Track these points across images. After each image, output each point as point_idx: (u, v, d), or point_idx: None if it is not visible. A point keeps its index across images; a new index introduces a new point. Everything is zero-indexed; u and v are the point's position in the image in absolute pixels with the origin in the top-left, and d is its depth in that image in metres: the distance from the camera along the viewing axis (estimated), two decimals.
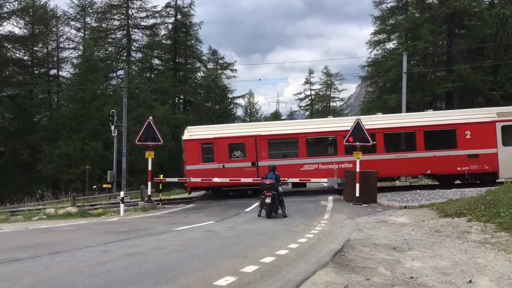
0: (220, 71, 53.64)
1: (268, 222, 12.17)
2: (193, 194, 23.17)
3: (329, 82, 63.88)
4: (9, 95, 36.75)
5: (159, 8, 46.12)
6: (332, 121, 21.61)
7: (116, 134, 28.16)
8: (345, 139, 17.79)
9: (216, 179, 22.97)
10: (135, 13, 45.10)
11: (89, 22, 45.56)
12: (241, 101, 58.41)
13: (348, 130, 18.01)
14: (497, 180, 19.19)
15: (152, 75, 46.69)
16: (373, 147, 19.70)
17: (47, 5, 40.15)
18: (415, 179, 25.14)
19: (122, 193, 17.69)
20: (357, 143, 17.44)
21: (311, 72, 71.08)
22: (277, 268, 5.97)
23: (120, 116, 28.83)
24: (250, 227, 11.23)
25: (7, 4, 36.15)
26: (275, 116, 68.74)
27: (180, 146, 39.26)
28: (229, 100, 54.83)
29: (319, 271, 5.94)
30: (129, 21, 44.81)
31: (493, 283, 5.73)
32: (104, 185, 27.41)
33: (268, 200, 12.99)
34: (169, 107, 42.71)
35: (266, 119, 65.27)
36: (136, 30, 45.71)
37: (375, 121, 20.43)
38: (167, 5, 46.29)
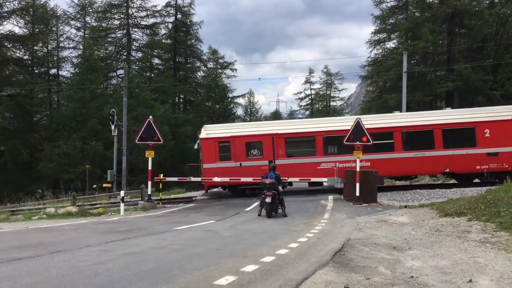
0: (220, 71, 53.69)
1: (268, 222, 12.17)
2: (193, 193, 23.20)
3: (329, 81, 63.90)
4: (9, 94, 36.78)
5: (159, 8, 46.21)
6: (350, 120, 21.22)
7: (116, 134, 28.16)
8: (345, 138, 17.77)
9: (216, 179, 23.00)
10: (135, 12, 45.17)
11: (89, 21, 45.64)
12: (241, 100, 58.51)
13: (368, 129, 18.12)
14: None
15: (152, 75, 46.71)
16: (391, 146, 19.77)
17: (47, 4, 40.26)
18: (434, 178, 25.00)
19: (122, 193, 17.68)
20: (357, 142, 17.44)
21: (311, 71, 71.34)
22: (277, 268, 5.97)
23: (120, 116, 28.84)
24: (250, 227, 11.24)
25: (7, 3, 36.20)
26: (275, 116, 68.78)
27: (180, 145, 39.65)
28: (229, 99, 54.87)
29: (319, 271, 5.94)
30: (129, 21, 44.82)
31: (493, 283, 5.73)
32: (104, 185, 27.42)
33: (268, 200, 12.99)
34: (169, 107, 42.75)
35: (266, 118, 65.32)
36: (136, 29, 45.77)
37: (392, 119, 20.31)
38: (167, 4, 46.30)
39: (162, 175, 20.76)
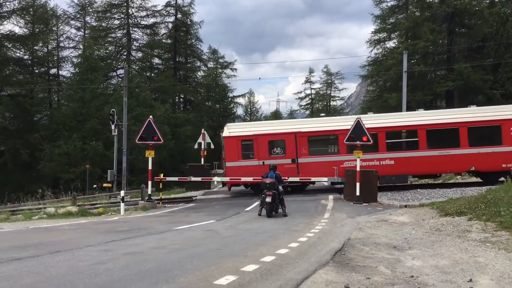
0: (220, 70, 53.73)
1: (269, 221, 12.17)
2: (193, 193, 23.19)
3: (330, 81, 63.89)
4: (10, 94, 36.81)
5: (159, 7, 46.35)
6: (373, 118, 21.23)
7: (116, 133, 28.16)
8: (346, 138, 17.76)
9: (216, 178, 23.01)
10: (135, 12, 45.24)
11: (89, 21, 45.69)
12: (241, 100, 58.56)
13: (390, 127, 18.19)
14: None
15: (152, 74, 46.74)
16: (415, 144, 19.63)
17: (47, 4, 40.28)
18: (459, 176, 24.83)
19: (122, 192, 17.68)
20: (358, 142, 17.43)
21: (311, 71, 71.31)
22: (278, 267, 5.96)
23: (120, 115, 28.84)
24: (250, 226, 11.23)
25: (7, 3, 36.22)
26: (276, 116, 68.79)
27: (180, 145, 39.63)
28: (229, 99, 54.92)
29: (319, 270, 5.94)
30: (129, 20, 44.85)
31: (493, 282, 5.73)
32: (105, 184, 27.43)
33: (268, 199, 12.98)
34: (169, 106, 42.77)
35: (267, 118, 65.33)
36: (136, 29, 45.83)
37: (416, 117, 20.16)
38: (167, 4, 46.35)
39: (162, 174, 20.76)
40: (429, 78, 33.80)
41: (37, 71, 41.91)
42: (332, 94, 64.43)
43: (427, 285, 5.51)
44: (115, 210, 17.14)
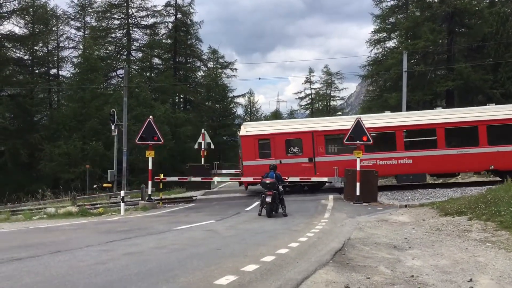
0: (220, 70, 53.70)
1: (269, 221, 12.17)
2: (194, 193, 23.19)
3: (329, 81, 63.79)
4: (10, 94, 36.80)
5: (159, 7, 46.28)
6: (390, 116, 21.19)
7: (116, 133, 28.16)
8: (345, 138, 17.74)
9: (217, 178, 23.00)
10: (135, 12, 45.22)
11: (89, 21, 45.68)
12: (241, 100, 58.51)
13: (407, 126, 18.24)
14: None
15: (152, 74, 46.74)
16: (433, 142, 19.54)
17: (47, 4, 40.25)
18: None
19: (122, 192, 17.68)
20: (358, 142, 17.43)
21: (311, 71, 71.09)
22: (278, 267, 5.96)
23: (121, 115, 28.84)
24: (250, 226, 11.24)
25: (7, 3, 36.22)
26: (276, 115, 68.76)
27: (180, 145, 39.63)
28: (229, 99, 54.89)
29: (319, 270, 5.94)
30: (129, 20, 44.84)
31: (493, 282, 5.73)
32: (105, 185, 27.43)
33: (268, 199, 12.99)
34: (169, 106, 42.76)
35: (267, 118, 65.30)
36: (136, 29, 45.82)
37: (435, 116, 20.07)
38: (167, 4, 46.32)
39: (162, 175, 20.77)
40: (429, 78, 33.81)
41: (37, 71, 41.90)
42: (332, 94, 64.34)
43: (427, 285, 5.51)
44: (115, 210, 17.14)
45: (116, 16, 44.94)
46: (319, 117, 45.06)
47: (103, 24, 44.80)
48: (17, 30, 41.25)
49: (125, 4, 44.34)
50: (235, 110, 56.59)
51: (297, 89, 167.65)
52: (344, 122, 21.01)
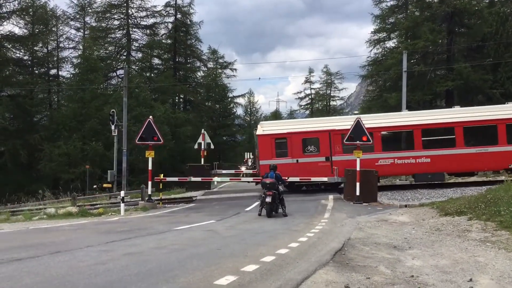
0: (220, 70, 53.72)
1: (269, 221, 12.17)
2: (194, 193, 23.18)
3: (329, 81, 63.79)
4: (9, 95, 36.77)
5: (159, 8, 46.24)
6: (408, 115, 21.07)
7: (116, 134, 28.15)
8: (345, 138, 17.74)
9: (217, 178, 23.00)
10: (135, 12, 45.21)
11: (89, 21, 45.66)
12: (241, 100, 58.57)
13: (425, 124, 18.24)
14: None
15: (152, 75, 46.72)
16: (452, 141, 19.43)
17: (47, 4, 40.20)
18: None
19: (122, 193, 17.66)
20: (357, 142, 17.43)
21: (311, 71, 70.87)
22: (278, 267, 5.97)
23: (120, 116, 28.84)
24: (250, 226, 11.24)
25: (7, 4, 36.20)
26: (275, 116, 68.75)
27: (180, 145, 39.62)
28: (229, 99, 54.92)
29: (319, 270, 5.94)
30: (129, 21, 44.84)
31: (493, 282, 5.73)
32: (105, 185, 27.43)
33: (268, 199, 12.99)
34: (169, 107, 42.74)
35: (266, 118, 65.30)
36: (136, 29, 45.80)
37: (453, 115, 19.96)
38: (167, 4, 46.30)
39: (162, 175, 20.76)
40: (428, 77, 33.82)
41: (37, 71, 41.86)
42: (332, 94, 64.33)
43: (427, 284, 5.51)
44: (115, 211, 17.13)
45: (115, 16, 44.94)
46: (319, 117, 45.07)
47: (103, 25, 44.79)
48: (17, 30, 41.30)
49: (125, 4, 44.33)
50: (235, 110, 56.70)
51: (297, 89, 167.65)
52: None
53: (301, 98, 65.52)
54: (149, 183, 18.91)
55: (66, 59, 43.05)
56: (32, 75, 39.89)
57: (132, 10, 44.84)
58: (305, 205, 16.40)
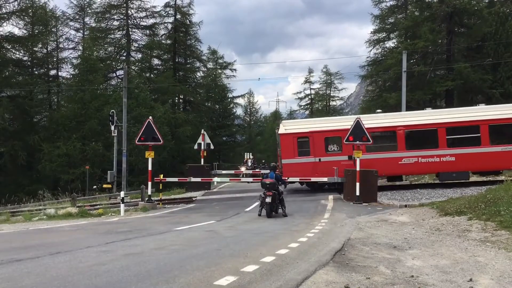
0: (219, 71, 53.77)
1: (269, 222, 12.18)
2: (194, 194, 23.18)
3: (329, 81, 63.86)
4: (9, 95, 36.74)
5: (158, 8, 46.22)
6: (432, 113, 20.85)
7: (116, 134, 28.14)
8: (345, 138, 17.74)
9: (216, 179, 23.00)
10: (135, 13, 45.17)
11: (88, 22, 45.67)
12: (241, 100, 58.67)
13: (450, 123, 18.24)
14: None
15: (152, 75, 46.70)
16: (477, 140, 19.26)
17: (47, 5, 40.18)
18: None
19: (122, 193, 17.68)
20: (357, 142, 17.44)
21: (311, 71, 71.10)
22: (278, 268, 5.96)
23: (120, 116, 28.83)
24: (250, 227, 11.24)
25: (6, 4, 36.19)
26: (275, 116, 68.78)
27: (180, 145, 39.63)
28: (229, 99, 55.00)
29: (319, 270, 5.94)
30: (129, 21, 44.82)
31: (493, 282, 5.73)
32: (104, 185, 27.43)
33: (268, 200, 13.00)
34: (169, 107, 42.74)
35: (266, 118, 65.32)
36: (135, 30, 45.77)
37: (479, 113, 19.76)
38: (166, 5, 46.29)
39: (162, 175, 20.76)
40: (428, 77, 33.82)
41: (36, 72, 41.82)
42: (331, 94, 64.41)
43: (427, 285, 5.51)
44: (115, 211, 17.14)
45: (115, 17, 44.93)
46: (319, 117, 45.06)
47: (103, 25, 44.78)
48: (16, 31, 41.29)
49: (125, 5, 44.32)
50: (234, 111, 56.78)
51: (296, 90, 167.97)
52: (384, 120, 20.82)
53: (301, 98, 65.64)
54: (149, 183, 18.91)
55: (66, 60, 43.12)
56: (31, 76, 39.87)
57: (132, 11, 44.86)
58: (305, 205, 16.41)
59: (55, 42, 42.61)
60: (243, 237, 9.25)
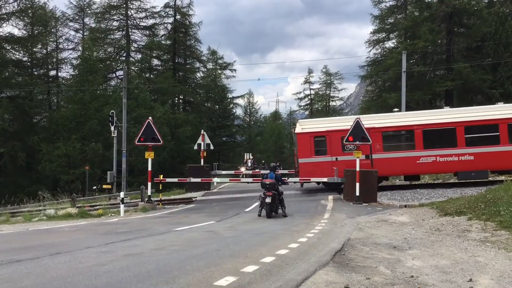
0: (219, 71, 53.74)
1: (268, 222, 12.18)
2: (193, 194, 23.17)
3: (329, 81, 63.88)
4: (9, 96, 36.72)
5: (158, 9, 46.18)
6: (450, 112, 20.72)
7: (115, 135, 28.14)
8: (345, 138, 17.73)
9: (216, 179, 22.98)
10: (134, 13, 45.13)
11: (88, 22, 45.67)
12: (240, 101, 58.62)
13: (469, 121, 18.19)
14: None
15: (152, 75, 46.69)
16: (496, 138, 19.05)
17: (46, 6, 40.18)
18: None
19: (122, 194, 17.68)
20: (357, 142, 17.44)
21: (310, 71, 70.93)
22: (278, 268, 5.96)
23: (120, 117, 28.83)
24: (250, 227, 11.24)
25: (6, 5, 36.18)
26: (275, 116, 68.76)
27: (180, 146, 39.62)
28: (229, 100, 54.95)
29: (319, 271, 5.94)
30: (128, 22, 44.79)
31: (493, 282, 5.73)
32: (104, 186, 27.41)
33: (268, 200, 13.00)
34: (169, 107, 42.74)
35: (266, 119, 65.31)
36: (135, 30, 45.74)
37: (497, 111, 19.60)
38: (166, 5, 46.27)
39: (162, 176, 20.76)
40: (428, 78, 33.85)
41: (36, 72, 41.80)
42: (331, 95, 64.44)
43: (427, 285, 5.51)
44: (115, 212, 17.13)
45: (115, 17, 44.90)
46: (320, 117, 45.04)
47: (102, 26, 44.75)
48: (16, 31, 41.30)
49: (124, 5, 44.30)
50: (234, 111, 56.72)
51: (296, 90, 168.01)
52: (401, 119, 20.67)
53: (301, 99, 65.67)
54: (149, 184, 18.91)
55: (66, 60, 43.10)
56: (31, 76, 39.85)
57: (131, 11, 44.83)
58: (305, 206, 16.41)
59: (54, 43, 42.61)
60: (243, 238, 9.25)
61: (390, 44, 41.63)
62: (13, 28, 47.87)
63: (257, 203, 15.33)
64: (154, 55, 46.25)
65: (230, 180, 23.96)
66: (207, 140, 26.23)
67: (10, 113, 36.73)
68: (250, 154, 41.53)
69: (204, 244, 8.19)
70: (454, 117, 19.66)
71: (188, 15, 47.32)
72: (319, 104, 65.61)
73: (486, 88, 32.43)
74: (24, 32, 38.42)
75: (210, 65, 53.09)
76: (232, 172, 32.18)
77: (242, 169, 32.90)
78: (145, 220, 14.06)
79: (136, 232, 10.42)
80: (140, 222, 13.49)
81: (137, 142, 18.53)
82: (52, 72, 43.46)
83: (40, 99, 40.82)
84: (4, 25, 36.45)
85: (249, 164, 35.23)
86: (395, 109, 24.25)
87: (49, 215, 16.01)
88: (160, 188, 20.92)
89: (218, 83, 51.94)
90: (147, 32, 46.06)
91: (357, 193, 16.83)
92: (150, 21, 46.03)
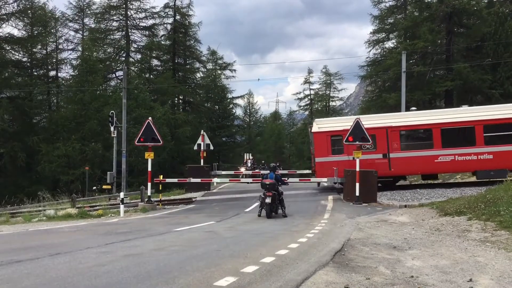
0: (219, 71, 53.73)
1: (268, 222, 12.17)
2: (193, 194, 23.16)
3: (329, 81, 63.86)
4: (9, 96, 36.72)
5: (158, 9, 46.18)
6: (470, 110, 20.50)
7: (115, 135, 28.14)
8: (345, 138, 17.73)
9: (216, 179, 22.98)
10: (134, 14, 45.14)
11: (88, 23, 45.66)
12: (240, 101, 58.63)
13: (488, 120, 18.05)
14: None
15: (151, 76, 46.69)
16: (510, 138, 18.93)
17: (46, 6, 40.17)
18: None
19: (122, 194, 17.67)
20: (357, 142, 17.44)
21: (310, 71, 70.91)
22: (278, 268, 5.96)
23: (120, 117, 28.83)
24: (250, 227, 11.23)
25: (6, 5, 36.18)
26: (275, 116, 68.76)
27: (180, 146, 39.64)
28: (228, 100, 54.97)
29: (319, 271, 5.94)
30: (128, 22, 44.79)
31: (493, 282, 5.73)
32: (104, 186, 27.40)
33: (268, 200, 13.00)
34: (169, 108, 42.75)
35: (266, 119, 65.30)
36: (135, 30, 45.75)
37: None
38: (166, 6, 46.29)
39: (161, 176, 20.75)
40: (428, 78, 33.87)
41: (36, 73, 41.78)
42: (331, 95, 64.40)
43: (427, 285, 5.51)
44: (115, 212, 17.13)
45: (114, 18, 44.90)
46: (320, 117, 45.01)
47: (102, 26, 44.75)
48: (16, 32, 41.33)
49: (124, 5, 44.31)
50: (234, 111, 56.74)
51: (296, 90, 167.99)
52: (419, 117, 20.50)
53: (301, 99, 65.62)
54: (149, 184, 18.90)
55: (65, 61, 43.09)
56: (31, 77, 39.84)
57: (131, 12, 44.83)
58: (305, 206, 16.41)
59: (54, 43, 42.59)
60: (243, 238, 9.24)
61: (390, 44, 41.73)
62: (12, 29, 48.02)
63: (257, 203, 15.33)
64: (153, 55, 46.27)
65: (230, 180, 23.97)
66: (207, 141, 26.24)
67: (10, 113, 36.74)
68: (250, 154, 41.52)
69: (204, 245, 8.19)
70: (472, 116, 19.48)
71: (188, 16, 47.39)
72: (319, 104, 65.58)
73: (486, 88, 32.45)
74: (24, 32, 38.44)
75: (210, 65, 53.14)
76: (232, 172, 32.20)
77: (242, 170, 32.90)
78: (145, 221, 14.06)
79: (136, 232, 10.42)
80: (140, 222, 13.49)
81: (137, 142, 18.52)
82: (52, 73, 43.47)
83: (39, 99, 40.82)
84: (4, 25, 36.52)
85: (249, 164, 35.21)
86: (413, 108, 24.10)
87: (49, 216, 16.00)
88: (160, 188, 20.91)
89: (218, 83, 51.96)
90: (147, 32, 46.08)
91: (357, 193, 16.84)
92: (150, 22, 46.10)
